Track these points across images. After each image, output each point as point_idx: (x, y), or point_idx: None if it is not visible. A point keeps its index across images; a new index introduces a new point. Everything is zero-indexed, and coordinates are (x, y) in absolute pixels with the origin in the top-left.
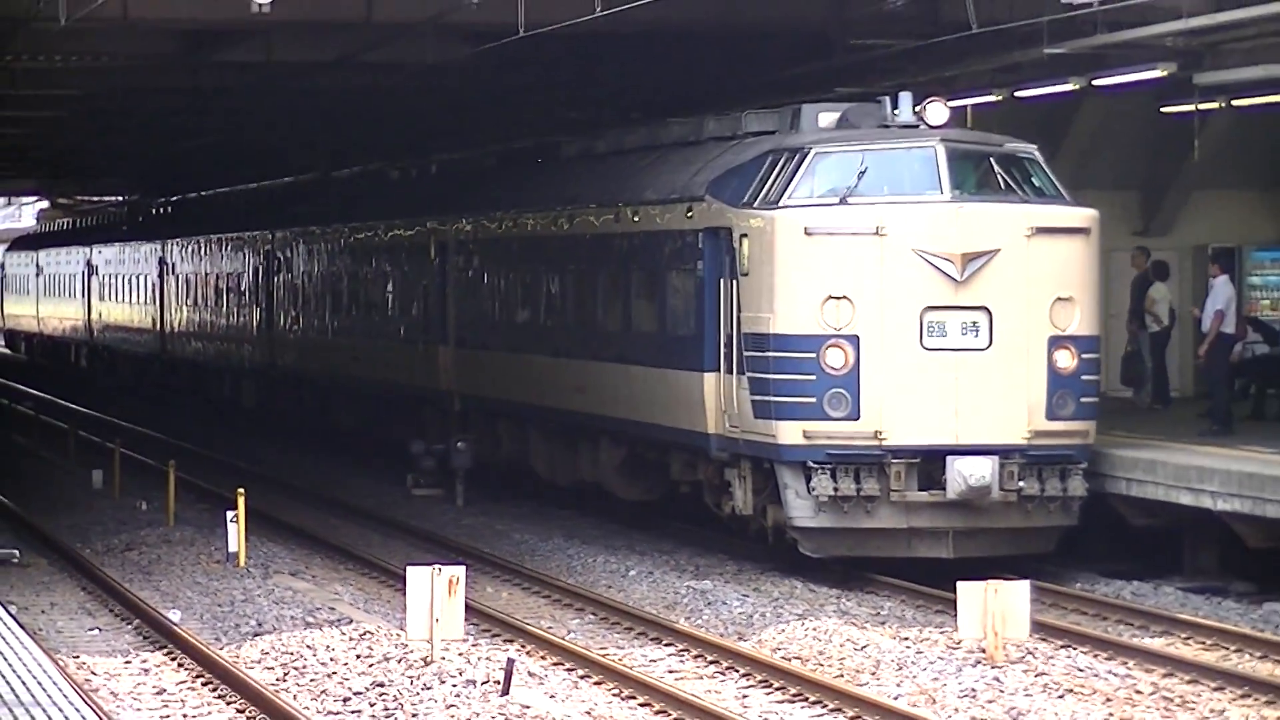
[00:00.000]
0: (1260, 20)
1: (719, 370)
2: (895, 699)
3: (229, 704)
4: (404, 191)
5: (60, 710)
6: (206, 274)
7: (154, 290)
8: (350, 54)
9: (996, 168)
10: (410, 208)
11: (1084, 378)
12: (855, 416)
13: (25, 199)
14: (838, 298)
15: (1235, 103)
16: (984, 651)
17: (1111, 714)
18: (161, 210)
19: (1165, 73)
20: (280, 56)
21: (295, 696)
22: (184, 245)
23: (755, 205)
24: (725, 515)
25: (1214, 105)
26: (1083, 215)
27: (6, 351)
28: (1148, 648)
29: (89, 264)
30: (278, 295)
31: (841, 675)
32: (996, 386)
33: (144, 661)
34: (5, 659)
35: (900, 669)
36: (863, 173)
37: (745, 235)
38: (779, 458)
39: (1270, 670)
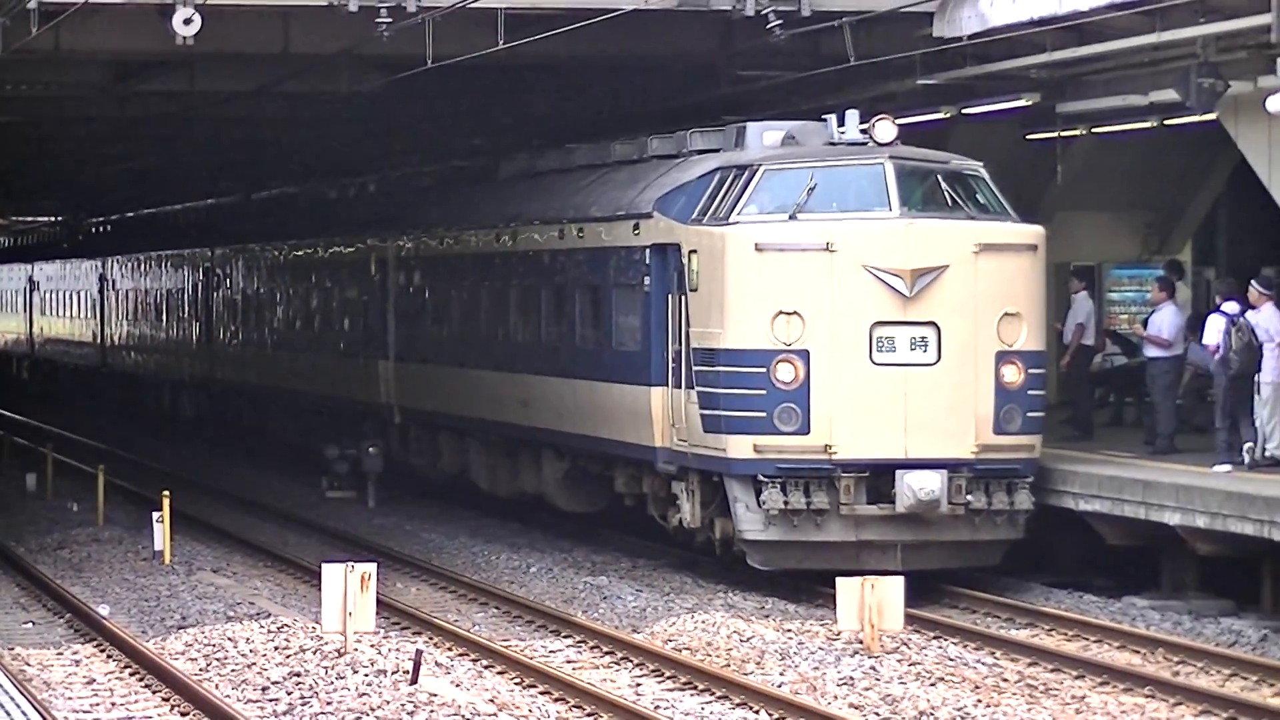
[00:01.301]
0: (1117, 54)
1: (667, 385)
2: (778, 687)
3: (155, 693)
4: (343, 209)
5: None
6: (146, 290)
7: (94, 305)
8: (269, 83)
9: (944, 184)
10: (350, 225)
11: (1030, 392)
12: (805, 431)
13: None
14: (788, 313)
15: (1095, 130)
16: (861, 642)
17: (979, 700)
18: (101, 229)
19: (1030, 102)
20: (203, 86)
21: (217, 686)
22: (124, 262)
23: (704, 221)
24: (672, 528)
25: (1076, 132)
26: (1029, 232)
27: None
28: (1013, 639)
29: (30, 280)
30: (217, 310)
31: (728, 665)
32: (945, 401)
33: (75, 653)
34: None
35: (783, 659)
36: (812, 189)
37: (695, 251)
38: (729, 471)
39: (1127, 660)
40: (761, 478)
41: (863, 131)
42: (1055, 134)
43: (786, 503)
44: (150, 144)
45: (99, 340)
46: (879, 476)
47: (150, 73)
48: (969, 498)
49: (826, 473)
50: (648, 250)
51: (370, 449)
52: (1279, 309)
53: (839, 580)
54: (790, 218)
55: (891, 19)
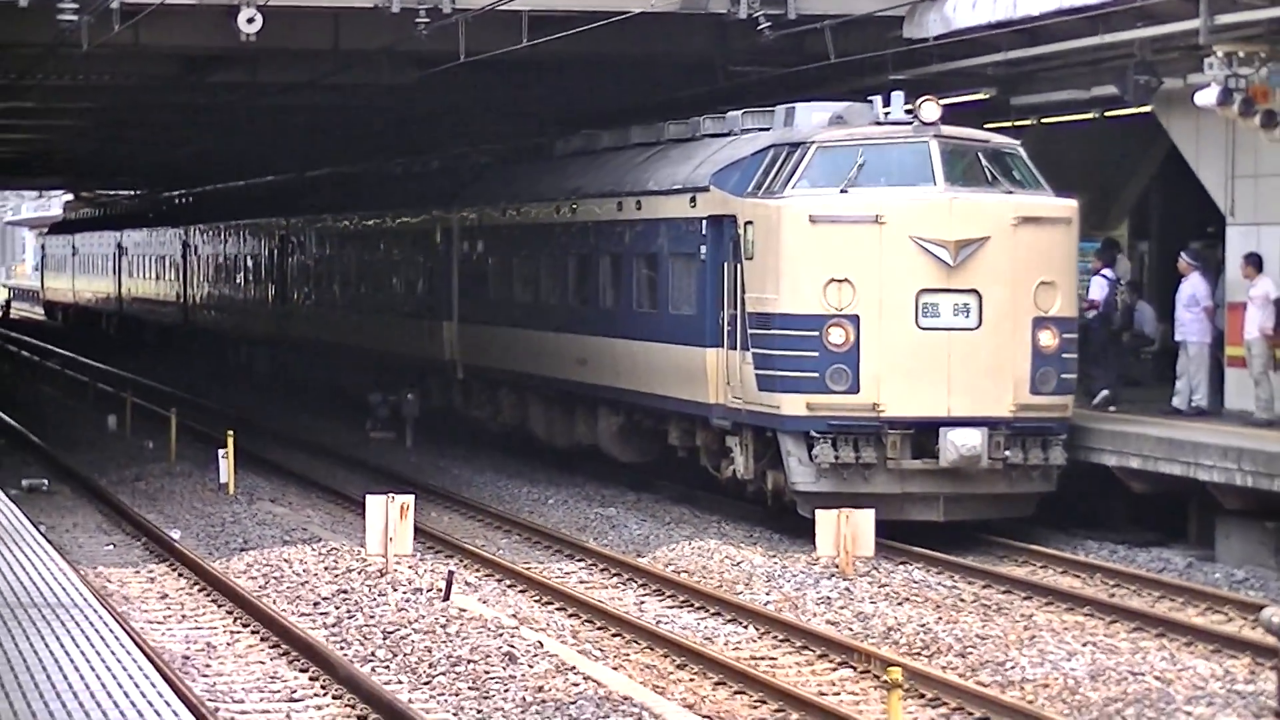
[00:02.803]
0: (1064, 54)
1: (722, 346)
2: (764, 605)
3: (220, 607)
4: (408, 184)
5: (82, 612)
6: (226, 255)
7: (178, 269)
8: (320, 76)
9: (984, 161)
10: (415, 198)
11: (1064, 356)
12: (855, 390)
13: (54, 192)
14: (839, 280)
15: (1045, 120)
16: (837, 567)
17: (940, 618)
18: (184, 200)
19: (987, 96)
20: (263, 78)
21: (274, 601)
22: (205, 230)
23: (760, 195)
24: (724, 478)
25: (1027, 122)
26: (1064, 205)
27: (46, 319)
28: (969, 564)
29: (119, 245)
30: (291, 274)
31: (721, 585)
32: (985, 363)
33: (150, 571)
34: (37, 569)
35: (768, 581)
36: (862, 165)
37: (750, 222)
38: (783, 427)
39: (1069, 584)
40: (813, 434)
41: (908, 111)
42: (1010, 124)
43: (837, 457)
44: (216, 127)
45: (181, 300)
46: (923, 433)
47: (217, 65)
48: (1007, 453)
49: (874, 429)
50: (704, 221)
51: (409, 396)
52: (1204, 278)
53: (818, 512)
54: (841, 191)
55: (867, 22)
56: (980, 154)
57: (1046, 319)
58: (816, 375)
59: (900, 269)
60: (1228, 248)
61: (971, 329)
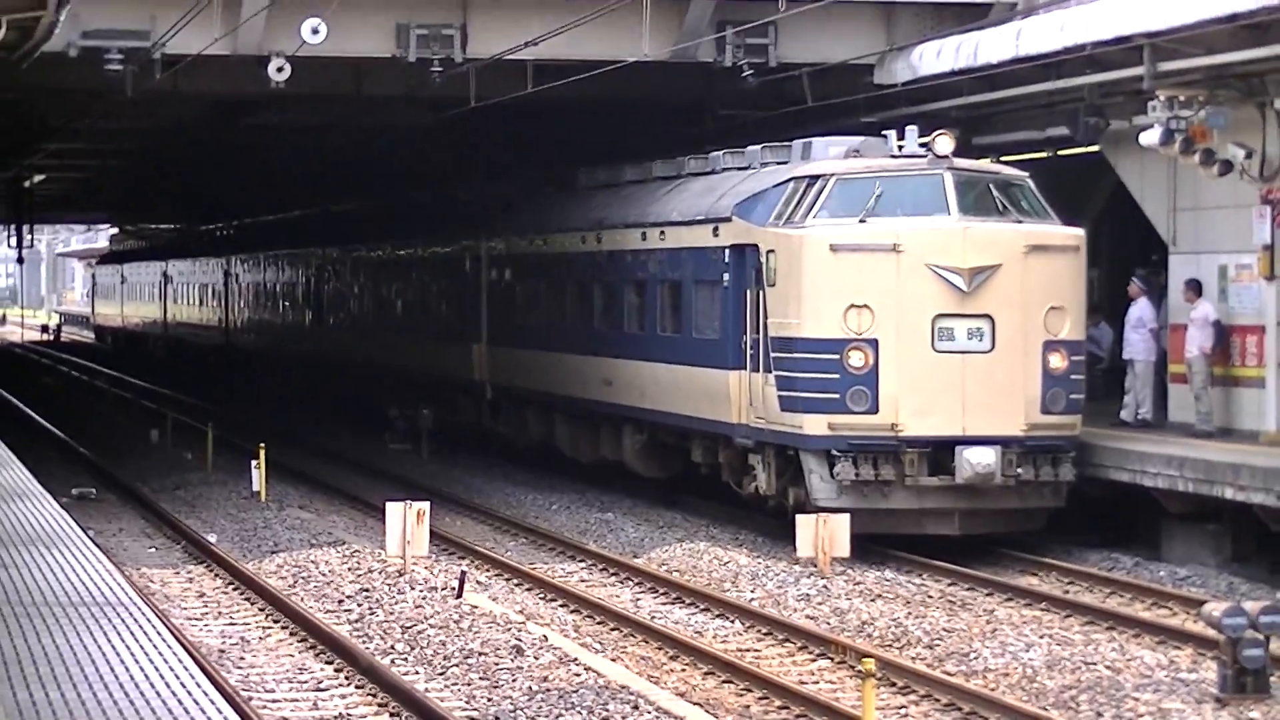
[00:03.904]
0: (1020, 98)
1: (744, 368)
2: (749, 602)
3: (252, 604)
4: (438, 215)
5: (127, 609)
6: (265, 282)
7: (219, 295)
8: (344, 119)
9: (995, 192)
10: (445, 228)
11: (1072, 377)
12: (874, 410)
13: (100, 226)
14: (859, 306)
15: (1003, 158)
16: (816, 566)
17: (910, 613)
18: (225, 231)
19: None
20: (291, 121)
21: (302, 599)
22: (245, 259)
23: (781, 224)
24: (746, 494)
25: (986, 160)
26: (1072, 235)
27: (96, 342)
28: (936, 565)
29: (164, 274)
30: (327, 300)
31: (709, 584)
32: (998, 385)
33: (189, 572)
34: (86, 571)
35: (753, 579)
36: (879, 196)
37: (773, 251)
38: (805, 446)
39: (1028, 581)
40: (835, 452)
41: (922, 145)
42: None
43: (857, 474)
44: (248, 165)
45: (223, 324)
46: (940, 451)
47: (249, 109)
48: (1019, 470)
49: (893, 448)
50: (727, 250)
51: (424, 411)
52: (1151, 302)
53: (798, 516)
54: (860, 221)
55: (841, 69)
56: (991, 185)
57: (1056, 342)
58: (837, 396)
59: (917, 295)
60: (1170, 274)
61: (985, 352)
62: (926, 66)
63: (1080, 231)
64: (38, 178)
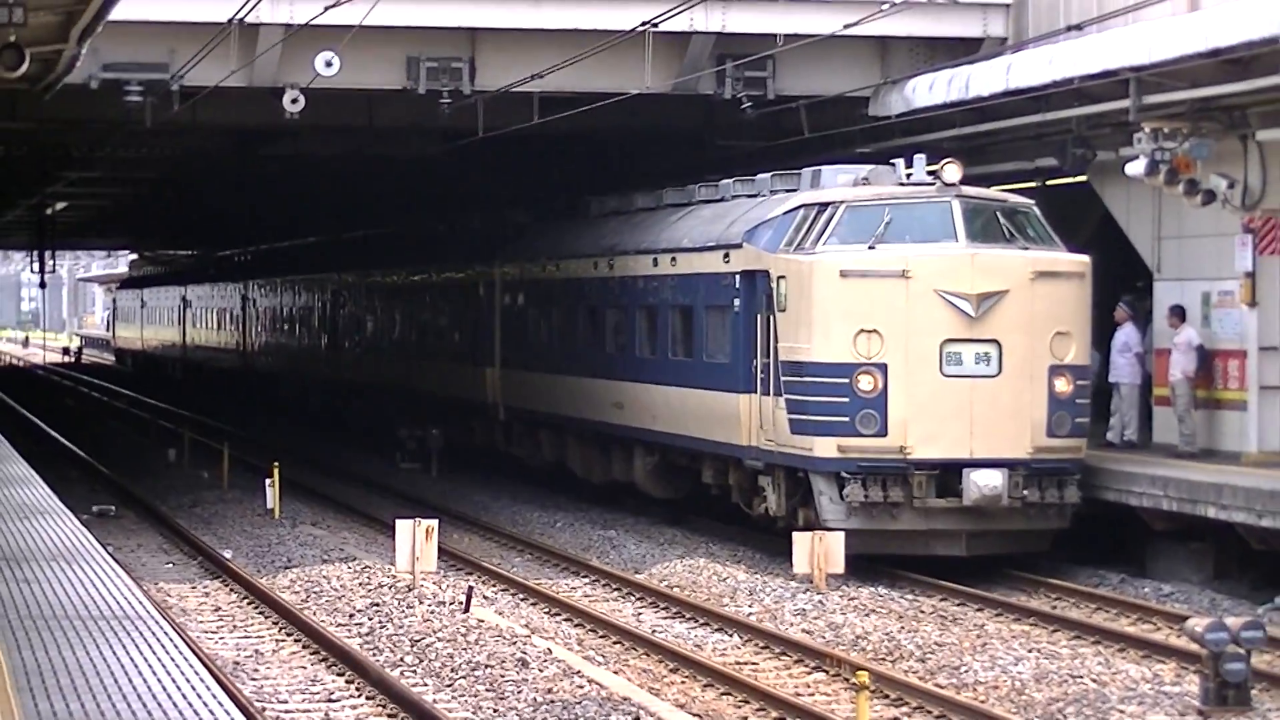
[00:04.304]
0: (1010, 129)
1: (755, 392)
2: (748, 616)
3: (266, 618)
4: (452, 241)
5: (145, 623)
6: (282, 307)
7: (237, 319)
8: (357, 148)
9: (1001, 219)
10: (459, 254)
11: (1077, 401)
12: (883, 434)
13: (120, 252)
14: (868, 331)
15: (996, 188)
16: (811, 582)
17: (903, 628)
18: (243, 257)
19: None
20: (305, 150)
21: (314, 612)
22: (262, 284)
23: (792, 251)
24: (756, 514)
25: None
26: (1077, 261)
27: (116, 364)
28: (928, 581)
29: (184, 298)
30: (343, 324)
31: (709, 599)
32: (1005, 408)
33: (205, 587)
34: (105, 585)
35: (751, 595)
36: (888, 223)
37: (783, 277)
38: (815, 468)
39: (1017, 597)
40: (844, 474)
41: (930, 173)
42: None
43: (866, 496)
44: (264, 193)
45: (240, 347)
46: (947, 473)
47: (265, 139)
48: (1025, 492)
49: (902, 470)
50: (737, 276)
51: (434, 431)
52: (1136, 327)
53: (795, 534)
54: (870, 248)
55: (837, 101)
56: (998, 212)
57: (1062, 367)
58: (847, 419)
59: (925, 320)
60: (1155, 300)
61: (992, 376)
62: (920, 99)
63: (1086, 258)
64: (59, 205)
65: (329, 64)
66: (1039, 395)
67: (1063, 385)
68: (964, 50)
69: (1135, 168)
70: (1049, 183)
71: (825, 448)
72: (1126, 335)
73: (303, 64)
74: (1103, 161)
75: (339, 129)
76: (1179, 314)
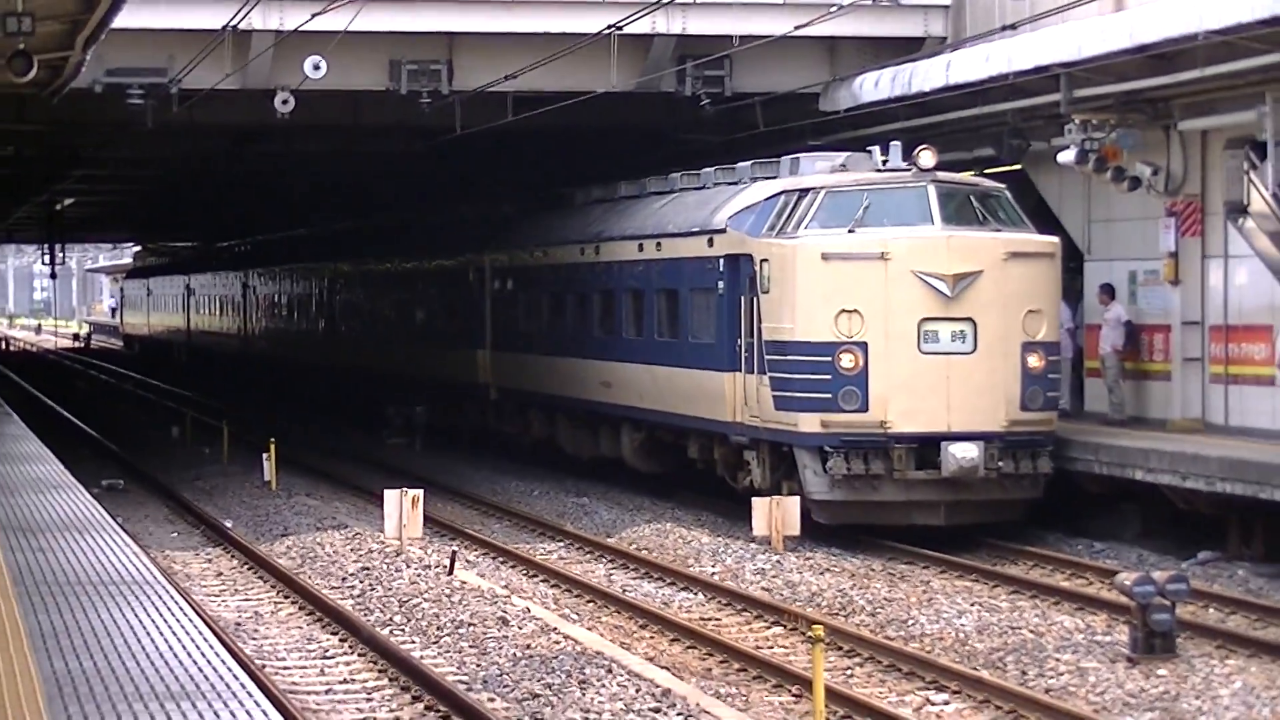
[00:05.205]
0: (950, 122)
1: (739, 370)
2: (711, 575)
3: (265, 582)
4: (445, 231)
5: (152, 588)
6: (280, 294)
7: (238, 306)
8: (344, 146)
9: (975, 202)
10: (451, 243)
11: (1049, 376)
12: (864, 409)
13: (125, 244)
14: (849, 311)
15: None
16: (770, 544)
17: (855, 584)
18: (243, 248)
19: None
20: (296, 148)
21: (309, 577)
22: (262, 273)
23: (774, 235)
24: (741, 487)
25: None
26: (1047, 242)
27: (124, 349)
28: (878, 542)
29: (187, 287)
30: (339, 310)
31: (675, 560)
32: (980, 384)
33: (208, 554)
34: (115, 554)
35: (714, 556)
36: (867, 207)
37: (766, 260)
38: (799, 443)
39: (960, 556)
40: (827, 448)
41: (907, 159)
42: None
43: (849, 469)
44: (258, 188)
45: (241, 332)
46: (926, 447)
47: (258, 138)
48: (1000, 464)
49: (882, 444)
50: (721, 260)
51: (419, 409)
52: (1068, 304)
53: (754, 499)
54: (849, 231)
55: (790, 98)
56: (971, 196)
57: (1034, 344)
58: (829, 396)
59: (903, 300)
60: (1086, 279)
61: (968, 353)
62: (866, 94)
63: (1055, 239)
64: (68, 201)
65: (317, 67)
66: (1012, 371)
67: (1035, 361)
68: (907, 49)
69: (1066, 156)
70: (986, 171)
71: (809, 423)
72: (1060, 312)
73: (293, 67)
74: (1036, 151)
75: (327, 127)
76: (1108, 292)
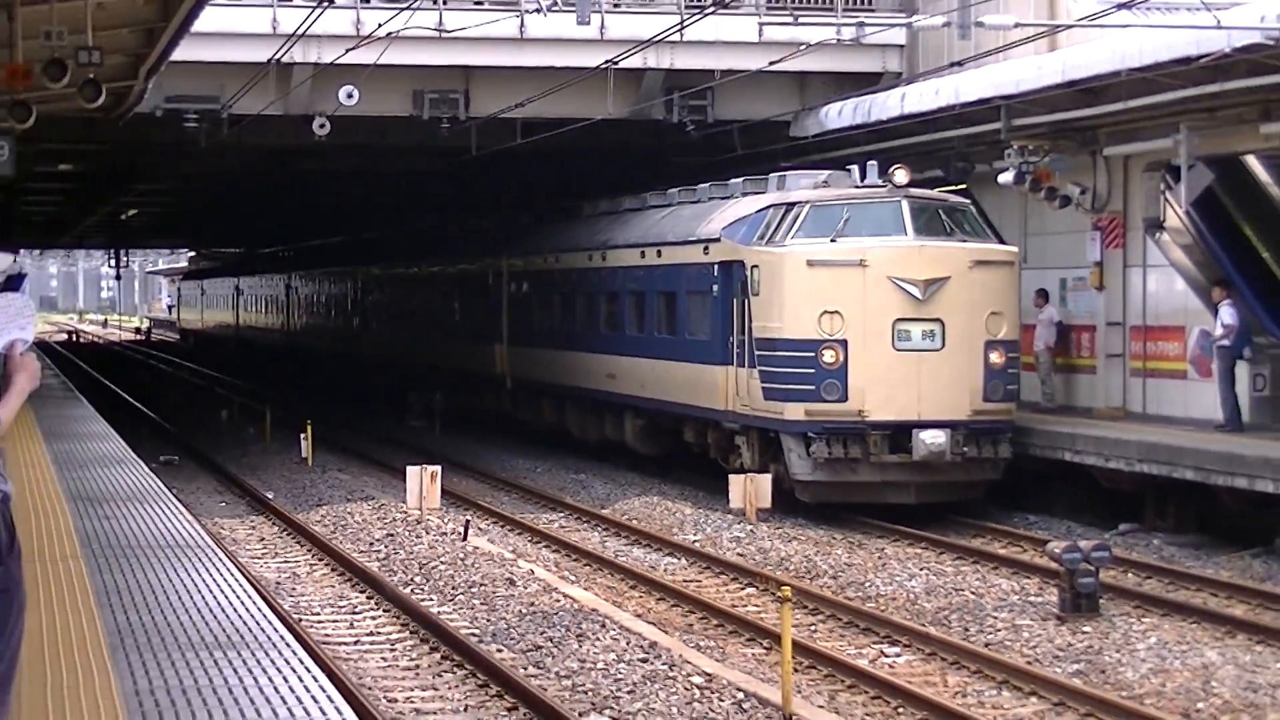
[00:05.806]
0: (905, 146)
1: (732, 364)
2: (693, 543)
3: (301, 545)
4: (466, 239)
5: (203, 551)
6: (319, 294)
7: (281, 304)
8: (373, 165)
9: (944, 216)
10: (472, 249)
11: (1009, 371)
12: (844, 399)
13: (181, 250)
14: (831, 312)
15: None
16: (745, 516)
17: (819, 551)
18: (286, 253)
19: None
20: (331, 166)
21: (341, 542)
22: (303, 275)
23: (764, 244)
24: (732, 469)
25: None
26: (1008, 251)
27: (180, 342)
28: (839, 516)
29: (237, 288)
30: (370, 309)
31: (661, 529)
32: (948, 377)
33: (252, 522)
34: (170, 521)
35: (696, 525)
36: (847, 219)
37: (756, 266)
38: (785, 429)
39: (911, 527)
40: (810, 434)
41: (883, 177)
42: None
43: (830, 453)
44: (297, 201)
45: (284, 328)
46: (899, 433)
47: (298, 157)
48: (966, 449)
49: (860, 431)
50: (715, 265)
51: (437, 395)
52: None
53: (730, 476)
54: (832, 240)
55: (764, 125)
56: (941, 210)
57: (996, 342)
58: (813, 388)
59: (880, 302)
60: (1023, 285)
61: (937, 350)
62: (831, 122)
63: (1015, 249)
64: (131, 212)
65: (350, 95)
66: (976, 366)
67: (996, 358)
68: (867, 82)
69: (1006, 178)
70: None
71: (794, 412)
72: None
73: (329, 95)
74: (979, 173)
75: (358, 148)
76: (1042, 296)
